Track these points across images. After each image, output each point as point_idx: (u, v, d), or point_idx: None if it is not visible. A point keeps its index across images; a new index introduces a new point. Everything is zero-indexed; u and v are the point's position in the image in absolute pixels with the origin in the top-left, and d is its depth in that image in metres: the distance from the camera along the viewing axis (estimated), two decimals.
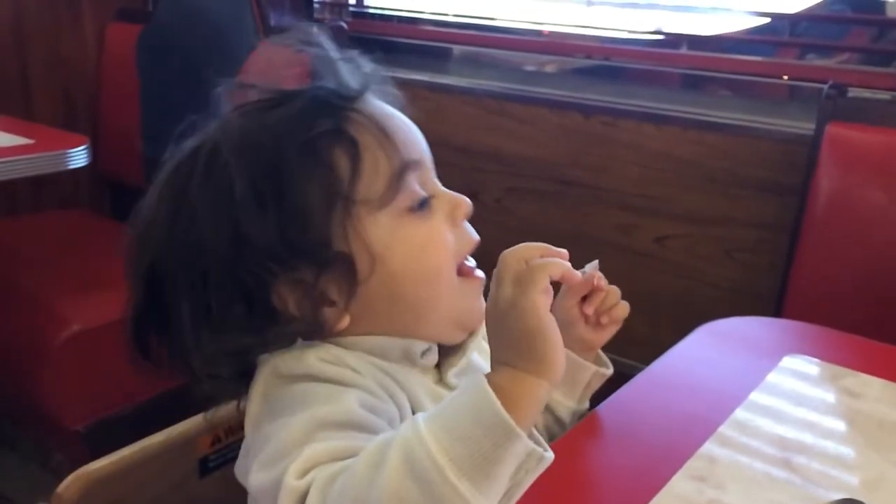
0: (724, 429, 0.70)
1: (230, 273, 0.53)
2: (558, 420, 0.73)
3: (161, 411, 0.65)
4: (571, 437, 0.69)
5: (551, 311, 0.50)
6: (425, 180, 0.60)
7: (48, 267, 1.67)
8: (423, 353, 0.60)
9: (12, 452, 1.83)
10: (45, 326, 1.46)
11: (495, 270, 0.52)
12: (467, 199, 0.61)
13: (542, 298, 0.49)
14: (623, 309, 0.69)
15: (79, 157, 1.37)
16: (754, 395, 0.76)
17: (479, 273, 0.61)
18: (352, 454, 0.47)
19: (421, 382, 0.59)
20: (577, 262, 0.58)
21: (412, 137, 0.60)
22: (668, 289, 1.64)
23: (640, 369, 0.80)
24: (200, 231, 0.54)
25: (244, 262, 0.53)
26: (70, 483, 0.59)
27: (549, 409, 0.72)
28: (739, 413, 0.73)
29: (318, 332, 0.56)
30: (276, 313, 0.55)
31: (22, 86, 2.04)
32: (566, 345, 0.52)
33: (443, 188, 0.61)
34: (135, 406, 1.55)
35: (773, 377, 0.80)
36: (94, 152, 1.49)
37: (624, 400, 0.74)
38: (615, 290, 0.69)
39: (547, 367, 0.48)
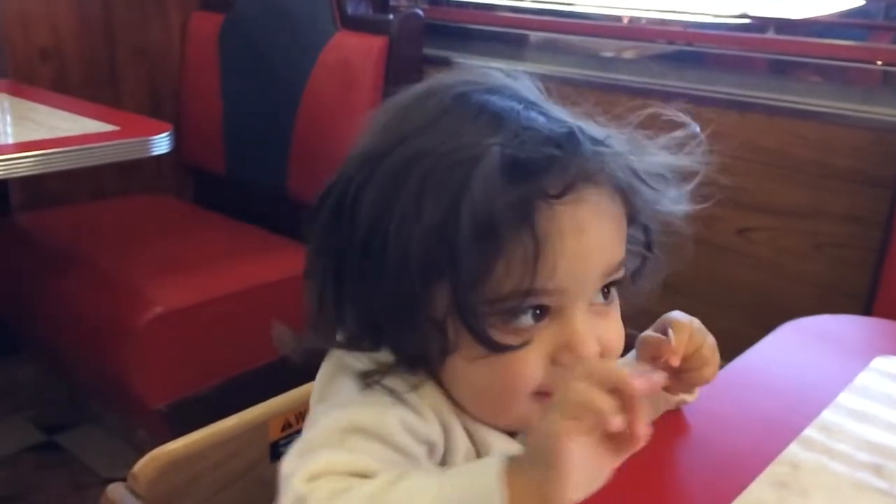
0: (809, 432, 0.67)
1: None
2: None
3: (238, 392, 0.65)
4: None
5: None
6: (561, 304, 0.51)
7: (133, 250, 1.73)
8: None
9: (98, 428, 1.90)
10: (130, 308, 1.51)
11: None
12: (590, 344, 0.51)
13: (565, 426, 0.43)
14: (712, 372, 0.63)
15: (161, 144, 1.41)
16: (842, 397, 0.73)
17: None
18: (368, 473, 0.47)
19: None
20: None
21: (577, 259, 0.50)
22: (751, 283, 1.59)
23: (720, 367, 0.78)
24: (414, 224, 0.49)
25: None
26: (145, 463, 0.61)
27: None
28: (826, 415, 0.70)
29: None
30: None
31: (110, 75, 2.11)
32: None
33: (579, 316, 0.51)
34: (213, 387, 1.59)
35: (862, 378, 0.76)
36: (178, 140, 1.53)
37: (702, 399, 0.72)
38: (704, 353, 0.62)
39: (555, 499, 0.44)
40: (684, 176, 0.57)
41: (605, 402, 0.44)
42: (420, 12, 1.92)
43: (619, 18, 1.88)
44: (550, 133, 0.50)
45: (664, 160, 0.56)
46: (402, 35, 1.80)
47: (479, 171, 0.47)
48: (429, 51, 1.91)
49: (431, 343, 0.51)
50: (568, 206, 0.49)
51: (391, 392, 0.52)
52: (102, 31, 2.08)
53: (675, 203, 0.56)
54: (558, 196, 0.48)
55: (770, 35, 1.69)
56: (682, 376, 0.62)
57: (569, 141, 0.50)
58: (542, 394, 0.52)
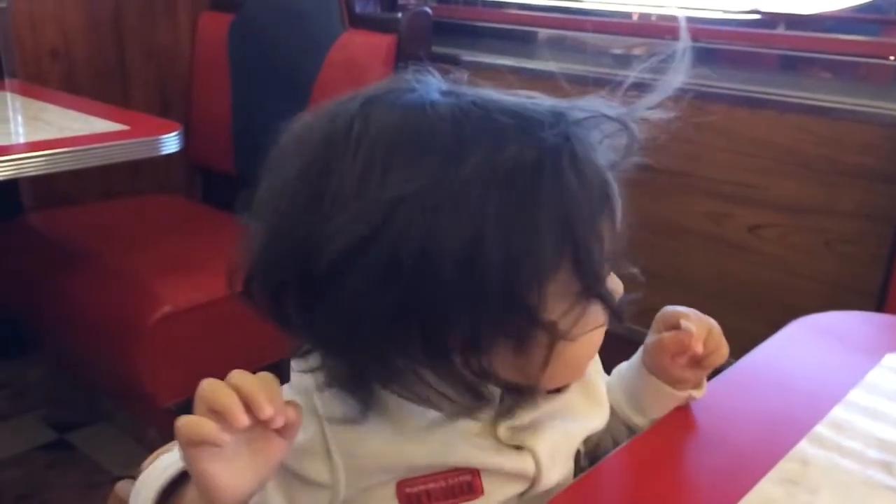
0: (819, 429, 0.66)
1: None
2: (632, 433, 0.71)
3: None
4: (654, 434, 0.66)
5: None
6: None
7: (142, 249, 1.74)
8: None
9: (111, 426, 1.91)
10: (139, 306, 1.52)
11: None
12: (619, 283, 0.56)
13: (190, 453, 0.48)
14: (725, 351, 0.66)
15: (171, 143, 1.41)
16: (853, 395, 0.72)
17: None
18: None
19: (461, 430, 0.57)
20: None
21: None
22: (762, 281, 1.58)
23: (729, 364, 0.77)
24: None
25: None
26: (153, 460, 0.61)
27: (628, 428, 0.71)
28: (836, 412, 0.69)
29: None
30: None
31: (120, 75, 2.12)
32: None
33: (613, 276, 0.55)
34: None
35: (873, 376, 0.76)
36: (187, 139, 1.53)
37: (711, 396, 0.71)
38: (713, 337, 0.65)
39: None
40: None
41: (229, 399, 0.47)
42: (428, 10, 1.91)
43: (628, 15, 1.88)
44: (554, 110, 0.52)
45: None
46: (411, 33, 1.80)
47: (560, 161, 0.49)
48: (437, 49, 1.91)
49: (531, 341, 0.51)
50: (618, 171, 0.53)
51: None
52: (112, 32, 2.09)
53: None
54: (618, 161, 0.52)
55: (780, 31, 1.68)
56: (702, 362, 0.65)
57: (575, 110, 0.53)
58: None
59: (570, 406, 0.60)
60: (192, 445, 0.47)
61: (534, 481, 0.59)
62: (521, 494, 0.60)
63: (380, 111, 0.51)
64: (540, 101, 0.53)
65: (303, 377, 0.57)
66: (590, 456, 0.69)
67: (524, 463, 0.58)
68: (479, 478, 0.57)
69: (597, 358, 0.66)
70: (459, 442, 0.56)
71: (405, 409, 0.55)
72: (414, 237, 0.46)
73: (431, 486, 0.56)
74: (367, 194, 0.47)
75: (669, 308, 0.67)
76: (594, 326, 0.53)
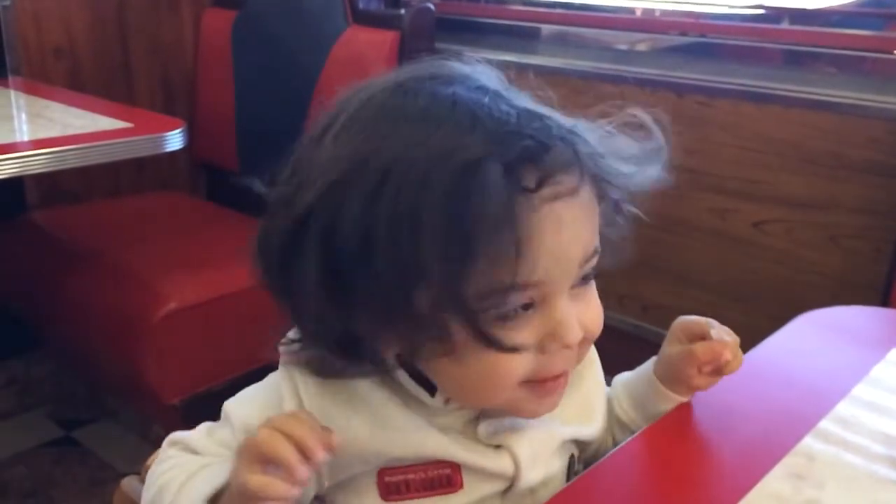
0: (824, 424, 0.66)
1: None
2: (629, 433, 0.71)
3: None
4: (659, 429, 0.66)
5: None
6: (543, 294, 0.51)
7: (147, 247, 1.74)
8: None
9: (116, 423, 1.92)
10: (144, 303, 1.52)
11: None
12: (574, 331, 0.52)
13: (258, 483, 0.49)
14: (738, 364, 0.66)
15: (175, 141, 1.41)
16: (858, 389, 0.72)
17: (554, 385, 0.55)
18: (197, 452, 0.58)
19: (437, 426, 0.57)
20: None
21: (557, 253, 0.50)
22: (767, 276, 1.58)
23: None
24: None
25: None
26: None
27: (623, 427, 0.71)
28: (842, 407, 0.69)
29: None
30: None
31: (124, 72, 2.12)
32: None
33: (562, 304, 0.52)
34: (227, 382, 1.60)
35: (878, 370, 0.76)
36: (191, 136, 1.53)
37: (716, 391, 0.71)
38: (733, 346, 0.65)
39: None
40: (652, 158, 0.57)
41: (288, 453, 0.48)
42: (431, 6, 1.91)
43: (632, 10, 1.87)
44: (522, 126, 0.49)
45: (631, 145, 0.56)
46: (414, 29, 1.80)
47: (469, 178, 0.47)
48: (440, 45, 1.91)
49: (422, 347, 0.51)
50: (545, 199, 0.49)
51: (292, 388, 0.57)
52: (116, 29, 2.09)
53: (643, 181, 0.56)
54: (536, 189, 0.48)
55: (785, 25, 1.67)
56: (723, 370, 0.65)
57: (540, 132, 0.49)
58: (528, 381, 0.53)
59: (557, 411, 0.59)
60: (258, 500, 0.49)
61: (513, 480, 0.59)
62: (504, 492, 0.60)
63: (369, 90, 0.54)
64: (554, 118, 0.52)
65: (289, 365, 0.58)
66: (588, 462, 0.68)
67: (503, 462, 0.59)
68: (460, 472, 0.58)
69: (598, 369, 0.66)
70: (440, 437, 0.57)
71: (388, 405, 0.56)
72: (328, 214, 0.49)
73: (411, 476, 0.57)
74: (320, 161, 0.51)
75: (687, 319, 0.67)
76: (467, 354, 0.51)
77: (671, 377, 0.68)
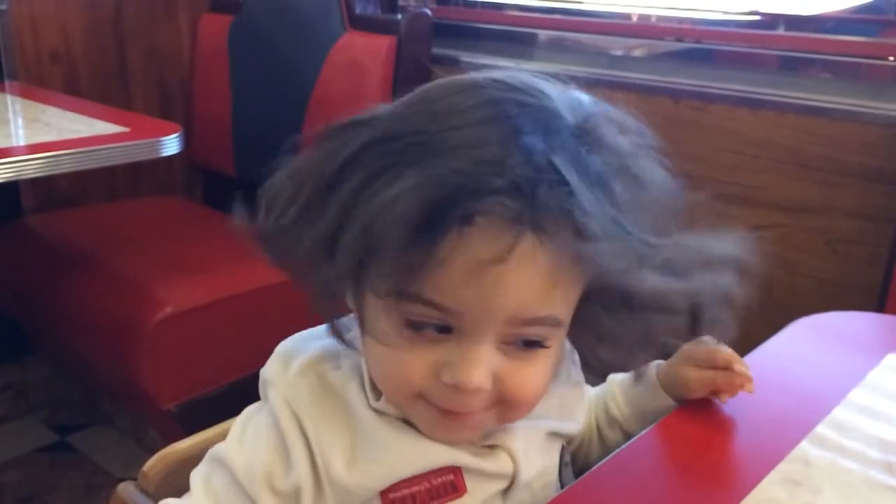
0: (820, 429, 0.66)
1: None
2: (620, 431, 0.73)
3: (248, 393, 0.66)
4: (655, 435, 0.66)
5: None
6: (462, 327, 0.50)
7: (143, 251, 1.74)
8: None
9: (111, 429, 1.91)
10: (140, 308, 1.52)
11: None
12: (473, 376, 0.50)
13: None
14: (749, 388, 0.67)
15: (171, 145, 1.41)
16: (854, 395, 0.72)
17: (454, 419, 0.54)
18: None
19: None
20: None
21: (476, 293, 0.49)
22: (762, 281, 1.58)
23: None
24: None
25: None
26: (155, 462, 0.61)
27: (613, 423, 0.72)
28: (838, 413, 0.69)
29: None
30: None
31: (120, 77, 2.12)
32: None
33: (479, 346, 0.50)
34: (223, 387, 1.59)
35: (874, 375, 0.76)
36: (188, 141, 1.53)
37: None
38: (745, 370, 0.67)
39: None
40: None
41: None
42: (428, 12, 1.91)
43: (628, 16, 1.88)
44: (508, 164, 0.47)
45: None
46: (411, 35, 1.80)
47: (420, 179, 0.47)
48: (437, 50, 1.91)
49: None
50: (483, 238, 0.47)
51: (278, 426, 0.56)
52: (112, 34, 2.09)
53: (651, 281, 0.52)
54: (467, 222, 0.46)
55: (780, 31, 1.68)
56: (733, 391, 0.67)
57: (528, 183, 0.46)
58: (428, 400, 0.53)
59: (536, 408, 0.59)
60: None
61: (513, 478, 0.60)
62: (504, 492, 0.60)
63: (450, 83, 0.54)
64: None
65: (294, 393, 0.57)
66: (573, 459, 0.70)
67: (501, 461, 0.59)
68: (462, 477, 0.58)
69: (575, 370, 0.66)
70: (440, 445, 0.57)
71: (392, 426, 0.56)
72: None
73: (416, 489, 0.56)
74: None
75: (706, 345, 0.67)
76: (380, 337, 0.52)
77: (677, 390, 0.69)
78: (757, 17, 1.71)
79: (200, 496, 0.57)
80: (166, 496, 0.61)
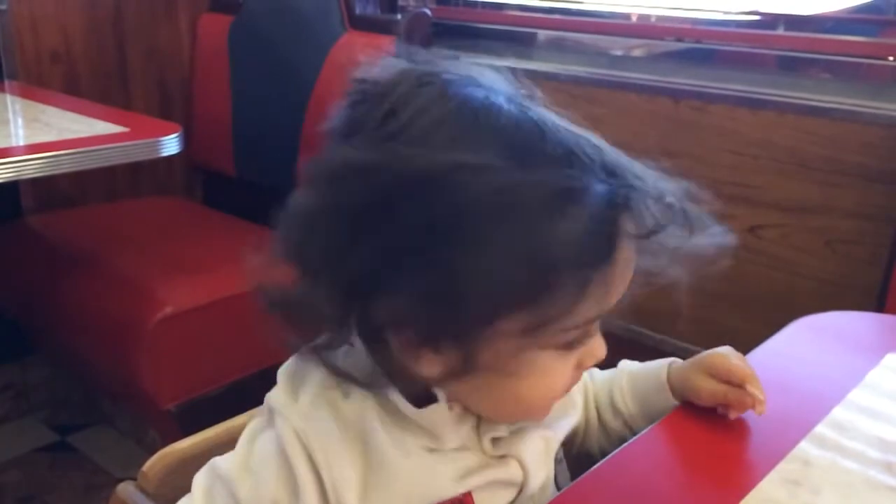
0: (820, 429, 0.66)
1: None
2: (622, 422, 0.73)
3: (248, 393, 0.66)
4: (655, 435, 0.66)
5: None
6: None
7: (143, 251, 1.73)
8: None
9: (111, 429, 1.91)
10: (140, 308, 1.52)
11: None
12: (603, 349, 0.57)
13: None
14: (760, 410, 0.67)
15: (171, 145, 1.41)
16: (853, 394, 0.72)
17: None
18: None
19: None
20: None
21: (621, 288, 0.54)
22: (763, 281, 1.58)
23: None
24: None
25: None
26: (154, 462, 0.61)
27: (617, 413, 0.72)
28: (837, 412, 0.69)
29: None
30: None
31: (120, 77, 2.12)
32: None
33: (596, 325, 0.56)
34: (223, 387, 1.59)
35: (874, 375, 0.76)
36: (187, 141, 1.53)
37: None
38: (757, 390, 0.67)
39: None
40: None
41: None
42: (428, 12, 1.91)
43: (627, 16, 1.88)
44: (615, 168, 0.52)
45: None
46: (411, 35, 1.80)
47: (573, 209, 0.48)
48: (437, 50, 1.91)
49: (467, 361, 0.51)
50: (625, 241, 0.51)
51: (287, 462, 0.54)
52: (112, 34, 2.09)
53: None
54: (647, 236, 0.51)
55: (780, 31, 1.68)
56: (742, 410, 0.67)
57: (635, 177, 0.52)
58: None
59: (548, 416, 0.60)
60: None
61: (522, 487, 0.60)
62: (513, 502, 0.60)
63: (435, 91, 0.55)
64: (597, 148, 0.53)
65: (306, 427, 0.55)
66: (566, 445, 0.70)
67: (512, 471, 0.59)
68: (472, 497, 0.57)
69: None
70: (447, 463, 0.56)
71: (404, 449, 0.55)
72: (451, 198, 0.48)
73: None
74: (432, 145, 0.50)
75: (724, 359, 0.67)
76: (540, 370, 0.53)
77: (685, 395, 0.69)
78: (757, 17, 1.71)
79: None
80: (166, 496, 0.61)
